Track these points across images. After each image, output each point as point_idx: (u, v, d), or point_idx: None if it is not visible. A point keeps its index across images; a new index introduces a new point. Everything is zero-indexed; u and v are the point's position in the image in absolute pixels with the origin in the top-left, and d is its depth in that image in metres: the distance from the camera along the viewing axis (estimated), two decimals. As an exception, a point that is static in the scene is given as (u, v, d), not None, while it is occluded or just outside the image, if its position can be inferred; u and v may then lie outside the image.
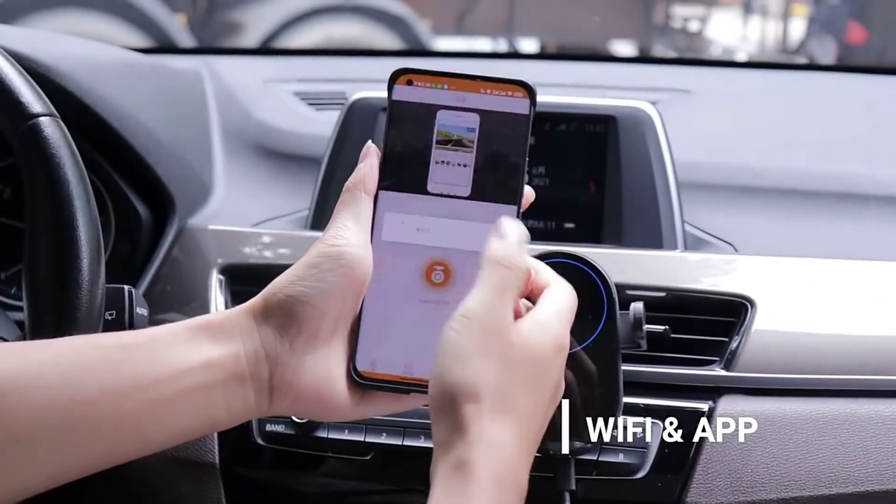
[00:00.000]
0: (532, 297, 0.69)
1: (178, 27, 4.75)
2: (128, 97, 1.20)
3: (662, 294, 1.08)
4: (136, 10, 4.41)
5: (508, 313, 0.65)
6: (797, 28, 8.07)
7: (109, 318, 0.90)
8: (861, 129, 1.45)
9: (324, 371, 0.69)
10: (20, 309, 0.88)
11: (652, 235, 1.18)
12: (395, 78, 0.71)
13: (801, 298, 1.09)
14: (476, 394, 0.62)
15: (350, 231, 0.69)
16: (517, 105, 0.70)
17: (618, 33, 6.73)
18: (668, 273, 1.11)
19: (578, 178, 1.21)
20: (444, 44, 5.82)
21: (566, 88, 1.48)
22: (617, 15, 6.74)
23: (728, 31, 7.73)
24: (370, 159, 0.71)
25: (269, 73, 1.60)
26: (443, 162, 0.70)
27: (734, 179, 1.32)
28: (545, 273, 0.71)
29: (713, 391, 1.00)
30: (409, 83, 0.70)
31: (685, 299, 1.07)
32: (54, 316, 0.83)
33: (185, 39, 4.70)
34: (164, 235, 1.19)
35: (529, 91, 0.70)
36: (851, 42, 7.37)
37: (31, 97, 0.88)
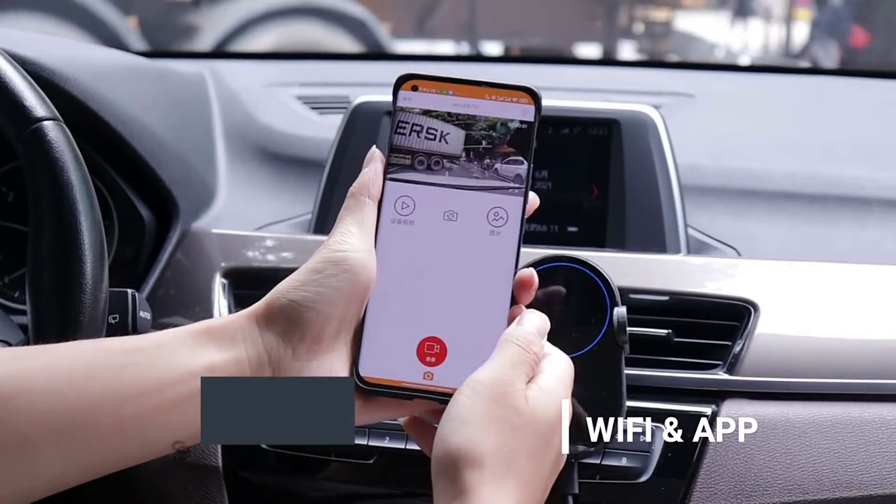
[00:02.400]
0: None
1: (130, 30, 4.67)
2: (131, 101, 1.20)
3: (665, 298, 1.08)
4: (87, 13, 4.36)
5: (519, 383, 0.66)
6: (800, 32, 8.07)
7: (113, 321, 0.90)
8: (864, 132, 1.45)
9: (327, 374, 0.69)
10: (24, 313, 0.88)
11: (655, 239, 1.18)
12: (400, 84, 0.71)
13: (804, 302, 1.09)
14: (479, 459, 0.63)
15: (354, 236, 0.69)
16: (522, 111, 0.70)
17: (582, 36, 6.72)
18: (671, 277, 1.11)
19: (581, 181, 1.21)
20: (404, 47, 5.79)
21: (569, 92, 1.48)
22: (580, 18, 6.73)
23: (724, 35, 7.73)
24: (374, 164, 0.71)
25: (272, 76, 1.60)
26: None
27: (737, 183, 1.32)
28: (543, 343, 0.71)
29: (716, 395, 1.00)
30: (415, 89, 0.70)
31: (688, 303, 1.07)
32: (58, 319, 0.83)
33: (137, 42, 4.62)
34: (167, 239, 1.19)
35: (535, 97, 0.70)
36: (854, 46, 7.36)
37: (34, 101, 0.88)
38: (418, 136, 0.70)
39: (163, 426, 0.66)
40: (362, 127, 1.23)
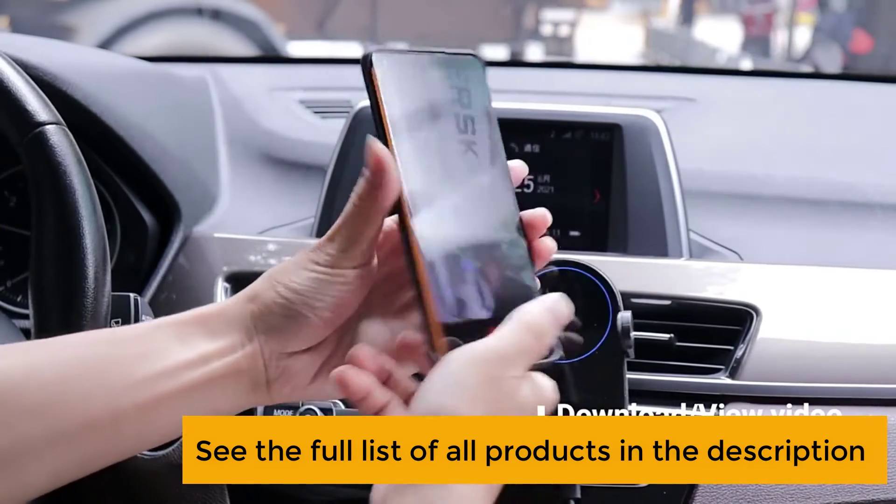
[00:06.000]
0: None
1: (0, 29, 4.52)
2: (133, 105, 1.20)
3: (667, 302, 1.08)
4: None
5: (517, 370, 0.64)
6: (802, 36, 8.08)
7: (115, 325, 0.90)
8: (866, 137, 1.45)
9: (319, 363, 0.69)
10: (26, 317, 0.88)
11: (657, 243, 1.18)
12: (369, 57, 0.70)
13: (806, 307, 1.09)
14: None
15: None
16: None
17: (487, 38, 6.70)
18: (673, 281, 1.11)
19: (583, 186, 1.21)
20: (301, 48, 5.71)
21: (570, 96, 1.48)
22: (486, 19, 6.70)
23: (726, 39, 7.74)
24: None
25: (275, 81, 1.60)
26: None
27: (739, 187, 1.32)
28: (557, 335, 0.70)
29: (718, 399, 1.00)
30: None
31: (690, 307, 1.07)
32: (60, 323, 0.84)
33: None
34: (169, 243, 1.19)
35: (479, 59, 0.71)
36: (857, 50, 7.37)
37: (37, 105, 0.89)
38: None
39: (158, 417, 0.66)
40: (364, 131, 1.24)
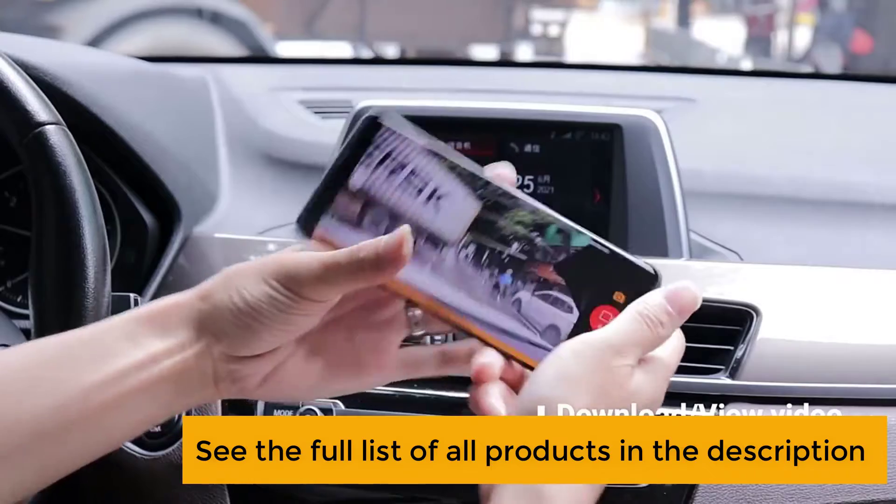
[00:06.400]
0: None
1: (-17, 30, 4.52)
2: (133, 105, 1.20)
3: (667, 302, 1.07)
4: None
5: (631, 359, 0.64)
6: (803, 36, 8.08)
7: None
8: (866, 137, 1.45)
9: (269, 368, 0.68)
10: (26, 317, 0.88)
11: (657, 244, 1.18)
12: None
13: (806, 307, 1.09)
14: (565, 409, 0.62)
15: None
16: None
17: (477, 38, 6.69)
18: (672, 282, 1.10)
19: (583, 186, 1.21)
20: (290, 48, 5.68)
21: (570, 96, 1.48)
22: (476, 19, 6.69)
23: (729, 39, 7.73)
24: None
25: (275, 81, 1.60)
26: None
27: (739, 188, 1.32)
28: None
29: (718, 399, 1.00)
30: None
31: (690, 308, 1.07)
32: (60, 324, 0.84)
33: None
34: (169, 243, 1.19)
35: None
36: (857, 51, 7.37)
37: (37, 106, 0.88)
38: None
39: (106, 423, 0.64)
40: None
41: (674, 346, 0.68)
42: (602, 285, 0.67)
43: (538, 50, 7.29)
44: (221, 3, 4.63)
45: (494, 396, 0.66)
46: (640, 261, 0.67)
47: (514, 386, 0.67)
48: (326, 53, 5.70)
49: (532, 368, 0.65)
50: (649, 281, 0.67)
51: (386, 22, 6.33)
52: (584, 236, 0.67)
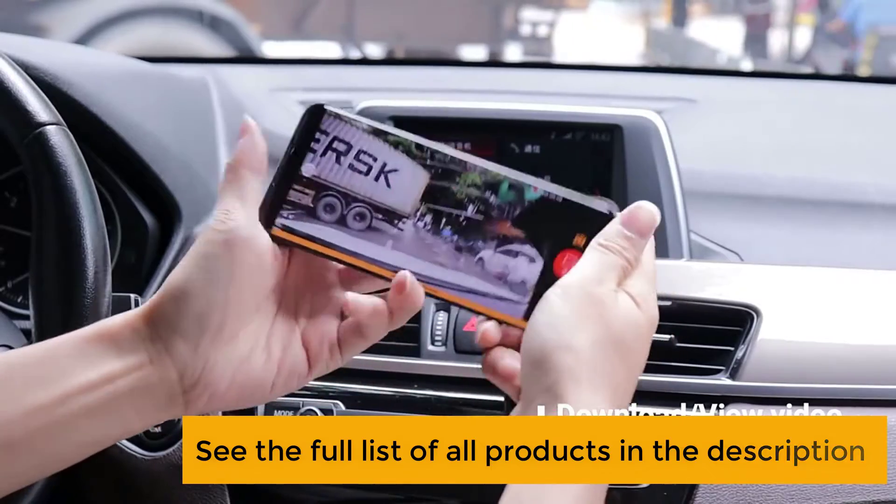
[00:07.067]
0: None
1: (-35, 29, 4.49)
2: (134, 106, 1.20)
3: (668, 303, 1.07)
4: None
5: (609, 283, 0.65)
6: (803, 37, 8.07)
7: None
8: (867, 138, 1.45)
9: (236, 364, 0.66)
10: (27, 318, 0.88)
11: (657, 244, 1.16)
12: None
13: (806, 307, 1.09)
14: (573, 348, 0.63)
15: (237, 212, 0.65)
16: None
17: (466, 38, 6.69)
18: (673, 282, 1.11)
19: (584, 186, 1.21)
20: (277, 49, 5.67)
21: (571, 97, 1.48)
22: (465, 19, 6.69)
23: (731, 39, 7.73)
24: (250, 136, 0.68)
25: (276, 81, 1.60)
26: None
27: (740, 188, 1.32)
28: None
29: (719, 400, 1.00)
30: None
31: (690, 308, 1.07)
32: (60, 324, 0.84)
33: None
34: (170, 244, 1.19)
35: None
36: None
37: (37, 106, 0.89)
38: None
39: (61, 441, 0.63)
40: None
41: (647, 256, 0.69)
42: (561, 232, 0.68)
43: (527, 50, 7.29)
44: (208, 3, 4.63)
45: (508, 357, 0.67)
46: (594, 201, 0.69)
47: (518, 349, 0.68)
48: (315, 54, 5.69)
49: (520, 329, 0.66)
50: (604, 219, 0.68)
51: (374, 22, 6.34)
52: (537, 188, 0.68)
